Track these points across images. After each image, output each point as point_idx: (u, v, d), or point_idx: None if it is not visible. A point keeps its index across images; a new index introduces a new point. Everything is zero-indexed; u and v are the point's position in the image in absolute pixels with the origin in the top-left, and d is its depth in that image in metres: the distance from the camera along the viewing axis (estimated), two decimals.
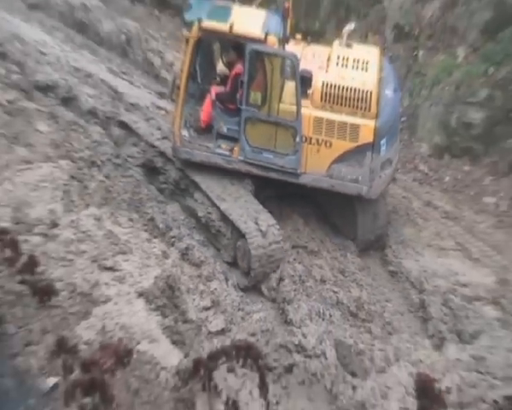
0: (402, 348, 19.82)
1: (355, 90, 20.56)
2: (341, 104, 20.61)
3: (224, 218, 20.97)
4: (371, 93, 20.51)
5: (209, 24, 20.52)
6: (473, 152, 24.89)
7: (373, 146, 20.61)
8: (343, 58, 21.34)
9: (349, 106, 20.58)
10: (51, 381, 16.58)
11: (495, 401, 16.85)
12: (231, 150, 21.37)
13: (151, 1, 29.49)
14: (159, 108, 24.46)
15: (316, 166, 20.96)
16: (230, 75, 21.46)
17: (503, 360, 19.43)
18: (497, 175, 24.53)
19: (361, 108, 20.53)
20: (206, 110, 21.63)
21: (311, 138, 20.77)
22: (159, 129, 23.36)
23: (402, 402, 18.22)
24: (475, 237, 23.06)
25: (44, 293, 17.40)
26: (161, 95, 24.97)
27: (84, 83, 25.32)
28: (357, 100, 20.52)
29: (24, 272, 17.32)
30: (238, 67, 21.07)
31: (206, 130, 21.70)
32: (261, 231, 20.33)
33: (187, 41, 21.03)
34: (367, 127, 20.50)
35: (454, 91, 25.09)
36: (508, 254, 22.70)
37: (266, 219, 20.63)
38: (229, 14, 20.86)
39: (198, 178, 21.69)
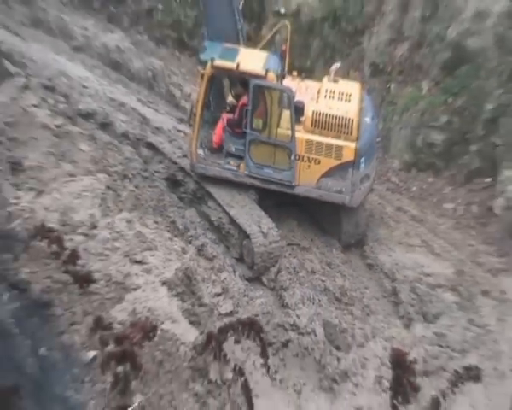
0: (378, 326, 20.15)
1: (339, 117, 20.81)
2: (328, 129, 20.85)
3: (233, 221, 21.18)
4: (353, 120, 20.77)
5: (220, 63, 20.77)
6: (435, 167, 25.03)
7: (354, 163, 20.86)
8: (330, 91, 21.58)
9: (334, 131, 20.83)
10: (91, 354, 16.81)
11: (456, 371, 17.05)
12: (238, 166, 21.58)
13: (173, 43, 29.44)
14: (179, 131, 24.61)
15: (307, 179, 21.20)
16: (238, 105, 21.66)
17: (460, 336, 19.80)
18: (455, 185, 24.69)
19: (344, 133, 20.79)
20: (217, 133, 21.83)
21: (303, 157, 21.01)
22: (179, 149, 23.52)
23: (378, 371, 18.59)
24: (437, 236, 23.20)
25: (84, 281, 17.65)
26: (181, 120, 25.09)
27: (117, 111, 25.45)
28: (342, 126, 20.77)
29: (67, 264, 17.56)
30: (244, 99, 21.29)
31: (218, 149, 21.89)
32: (263, 232, 20.58)
33: (202, 76, 21.26)
34: (349, 148, 20.76)
35: (419, 117, 25.23)
36: (463, 250, 22.91)
37: (267, 223, 20.86)
38: (236, 54, 21.07)
39: (211, 189, 21.90)
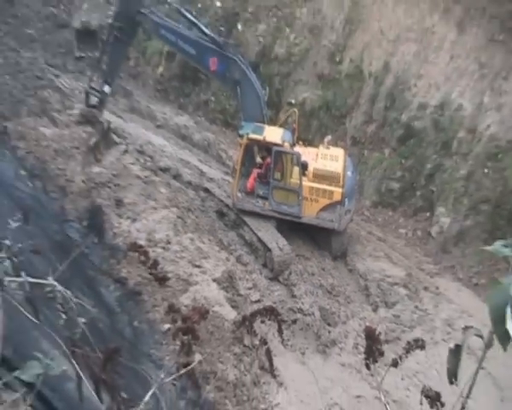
0: (355, 310, 20.37)
1: (331, 172, 20.99)
2: (324, 179, 21.02)
3: (260, 240, 21.22)
4: (340, 174, 20.98)
5: (252, 136, 20.94)
6: (393, 205, 25.03)
7: (340, 202, 21.00)
8: (325, 154, 21.76)
9: (328, 180, 20.99)
10: (166, 326, 16.89)
11: (408, 342, 17.11)
12: (264, 204, 21.64)
13: (221, 123, 29.52)
14: (224, 180, 24.67)
15: (310, 212, 21.33)
16: (264, 163, 21.76)
17: (409, 317, 20.18)
18: (406, 217, 24.72)
19: (334, 182, 20.94)
20: (250, 182, 21.88)
21: (307, 197, 21.14)
22: (225, 192, 23.56)
23: (355, 340, 19.00)
24: (394, 250, 23.17)
25: (162, 280, 17.78)
26: (226, 173, 25.14)
27: (184, 167, 25.51)
28: (333, 177, 20.96)
29: (151, 268, 17.67)
30: (268, 160, 21.42)
31: (250, 193, 21.95)
32: (280, 247, 20.65)
33: (240, 145, 21.46)
34: (337, 192, 20.98)
35: (383, 172, 25.27)
36: (412, 260, 22.94)
37: (282, 241, 20.94)
38: (263, 130, 21.22)
39: (246, 219, 21.93)
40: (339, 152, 22.31)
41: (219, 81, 23.85)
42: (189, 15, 23.04)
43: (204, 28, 22.61)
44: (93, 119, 23.94)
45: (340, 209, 21.18)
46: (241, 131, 21.53)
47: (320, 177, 21.22)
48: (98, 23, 32.30)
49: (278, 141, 20.95)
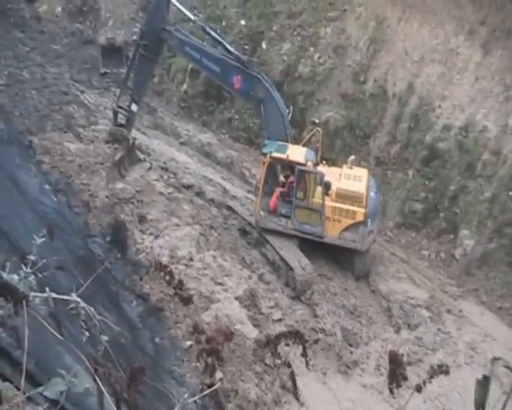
0: (377, 331, 20.17)
1: (354, 192, 20.86)
2: (347, 199, 20.89)
3: (282, 259, 21.07)
4: (363, 194, 20.82)
5: (276, 155, 20.89)
6: (416, 226, 24.81)
7: (363, 223, 20.84)
8: (348, 174, 21.61)
9: (351, 200, 20.86)
10: (188, 343, 16.85)
11: (431, 366, 16.90)
12: (287, 223, 21.55)
13: (244, 140, 29.48)
14: (248, 198, 24.56)
15: (332, 232, 21.20)
16: (287, 182, 21.67)
17: (431, 339, 19.97)
18: (430, 239, 24.46)
19: (357, 202, 20.80)
20: (273, 201, 21.79)
21: (330, 217, 21.01)
22: (248, 210, 23.43)
23: (377, 361, 18.77)
24: (417, 272, 22.95)
25: (187, 300, 17.81)
26: (249, 191, 25.02)
27: (207, 184, 25.47)
28: (356, 197, 20.82)
29: (176, 288, 17.69)
30: (291, 178, 21.34)
31: (273, 211, 21.87)
32: (302, 267, 20.51)
33: (263, 163, 21.39)
34: (360, 212, 20.85)
35: (406, 193, 25.08)
36: (434, 281, 22.75)
37: (304, 261, 20.81)
38: (286, 149, 21.18)
39: (268, 237, 21.82)
40: (362, 172, 22.17)
41: (243, 99, 23.86)
42: (213, 33, 23.12)
43: (228, 46, 22.66)
44: (121, 137, 24.03)
45: (362, 230, 21.01)
46: (264, 150, 21.50)
47: (343, 197, 21.09)
48: (123, 40, 32.63)
49: (301, 160, 20.88)
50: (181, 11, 24.22)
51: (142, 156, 25.79)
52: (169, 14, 23.73)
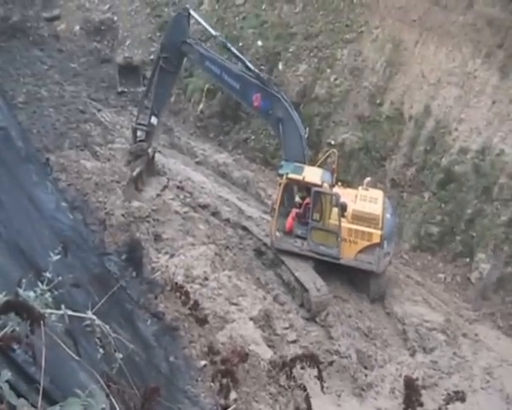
0: (392, 354, 20.05)
1: (370, 213, 20.82)
2: (363, 221, 20.84)
3: (297, 280, 21.02)
4: (379, 216, 20.77)
5: (292, 175, 20.88)
6: (432, 249, 24.67)
7: (380, 244, 20.76)
8: (364, 196, 21.57)
9: (367, 222, 20.81)
10: (202, 362, 16.80)
11: (448, 393, 16.75)
12: (303, 244, 21.50)
13: (260, 161, 29.44)
14: (263, 219, 24.50)
15: (348, 254, 21.14)
16: (303, 204, 21.64)
17: (447, 363, 19.76)
18: (445, 262, 24.31)
19: (373, 223, 20.74)
20: (289, 222, 21.76)
21: (346, 239, 20.94)
22: (263, 230, 23.39)
23: (392, 384, 18.65)
24: (433, 295, 22.81)
25: (202, 321, 17.76)
26: (264, 212, 24.97)
27: (223, 204, 25.47)
28: (372, 219, 20.78)
29: (191, 309, 17.66)
30: (307, 200, 21.30)
31: (289, 233, 21.82)
32: (317, 288, 20.46)
33: (279, 184, 21.39)
34: (377, 234, 20.79)
35: (422, 216, 24.98)
36: (450, 305, 22.57)
37: (320, 282, 20.75)
38: (302, 170, 21.16)
39: (284, 258, 21.77)
40: (378, 194, 22.10)
41: (262, 118, 23.92)
42: (234, 50, 23.21)
43: (249, 64, 22.72)
44: (141, 152, 24.03)
45: (379, 252, 20.92)
46: (280, 171, 21.53)
47: (359, 218, 21.03)
48: (141, 59, 32.89)
49: (317, 181, 20.84)
50: (202, 26, 24.42)
51: (161, 171, 25.82)
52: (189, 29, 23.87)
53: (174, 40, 23.13)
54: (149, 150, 24.60)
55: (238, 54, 23.18)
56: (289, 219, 21.82)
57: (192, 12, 23.86)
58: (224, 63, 22.80)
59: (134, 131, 24.45)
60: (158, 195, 24.26)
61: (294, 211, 21.89)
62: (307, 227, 21.39)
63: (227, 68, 22.63)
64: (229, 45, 23.27)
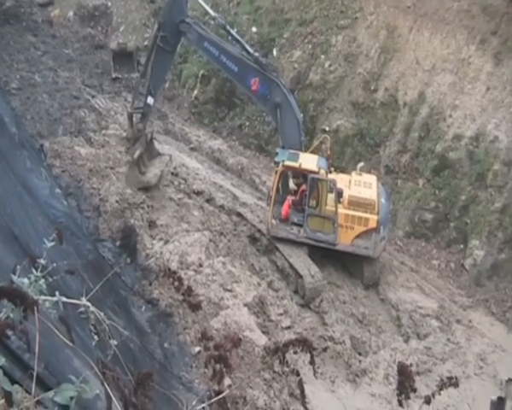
0: (386, 340, 20.15)
1: (366, 199, 20.93)
2: (359, 206, 20.95)
3: (291, 266, 21.07)
4: (375, 201, 20.86)
5: (288, 163, 20.86)
6: (426, 236, 24.69)
7: (376, 229, 20.87)
8: (358, 181, 21.67)
9: (363, 207, 20.91)
10: (196, 349, 16.88)
11: (441, 379, 16.88)
12: (299, 231, 21.50)
13: (254, 147, 29.36)
14: (258, 205, 24.50)
15: (345, 239, 21.27)
16: (299, 191, 21.64)
17: (441, 349, 19.87)
18: (439, 249, 24.33)
19: (369, 209, 20.87)
20: (285, 209, 21.75)
21: (343, 225, 21.00)
22: (258, 217, 23.39)
23: (386, 370, 18.70)
24: (427, 282, 22.83)
25: (196, 307, 17.72)
26: (259, 198, 24.99)
27: (217, 190, 25.42)
28: (368, 204, 20.94)
29: (185, 294, 17.62)
30: (303, 187, 21.31)
31: (285, 220, 21.82)
32: (311, 274, 20.51)
33: (276, 172, 21.33)
34: (373, 219, 20.98)
35: (417, 203, 24.94)
36: (444, 292, 22.60)
37: (314, 268, 20.81)
38: (298, 157, 21.10)
39: (278, 245, 21.78)
40: (372, 179, 22.20)
41: (259, 102, 23.57)
42: (233, 32, 23.04)
43: (248, 47, 22.54)
44: (138, 134, 23.36)
45: (375, 236, 21.02)
46: (276, 159, 21.45)
47: (355, 204, 21.13)
48: (135, 45, 32.76)
49: (314, 168, 20.85)
50: (202, 7, 24.22)
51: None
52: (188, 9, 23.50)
53: (172, 19, 22.42)
54: (146, 132, 24.04)
55: (237, 36, 22.96)
56: (285, 207, 21.85)
57: None
58: (223, 45, 22.38)
59: (130, 116, 23.59)
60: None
61: (290, 198, 21.88)
62: (303, 214, 21.43)
63: (226, 50, 22.27)
64: (228, 27, 23.05)
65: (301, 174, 21.55)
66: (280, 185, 21.83)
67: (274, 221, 21.82)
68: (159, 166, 23.97)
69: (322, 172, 20.85)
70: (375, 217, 21.00)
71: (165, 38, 22.52)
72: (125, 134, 25.08)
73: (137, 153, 23.15)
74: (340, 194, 21.01)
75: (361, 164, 23.21)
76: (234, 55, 22.20)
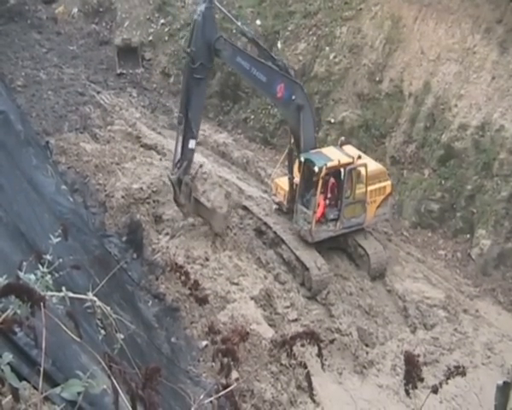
0: (393, 331, 20.20)
1: (377, 169, 22.28)
2: (376, 178, 22.12)
3: (298, 259, 21.14)
4: (385, 170, 22.74)
5: (330, 164, 20.75)
6: (433, 226, 24.70)
7: (391, 193, 22.53)
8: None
9: (378, 178, 22.14)
10: (203, 343, 16.94)
11: (448, 368, 16.89)
12: (335, 225, 21.67)
13: (260, 140, 29.37)
14: (263, 198, 24.49)
15: (370, 215, 22.08)
16: (328, 187, 21.55)
17: (448, 339, 19.93)
18: (446, 239, 24.33)
19: (383, 177, 22.41)
20: (320, 210, 21.18)
21: (369, 202, 21.78)
22: (263, 209, 23.44)
23: (393, 361, 18.81)
24: (434, 272, 22.87)
25: (202, 301, 17.78)
26: (265, 191, 24.98)
27: (223, 184, 25.16)
28: (380, 173, 22.48)
29: (191, 288, 17.66)
30: (331, 182, 21.40)
31: (320, 220, 21.53)
32: (318, 267, 20.59)
33: (317, 179, 21.08)
34: (388, 185, 22.38)
35: (423, 193, 24.96)
36: (451, 282, 22.67)
37: (320, 261, 20.91)
38: (326, 155, 21.31)
39: (284, 237, 21.81)
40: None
41: (283, 108, 22.90)
42: (259, 42, 22.89)
43: (272, 54, 22.44)
44: (188, 188, 21.50)
45: (391, 201, 22.58)
46: (316, 167, 20.79)
47: (373, 178, 21.85)
48: (139, 40, 32.69)
49: (349, 160, 21.20)
50: (227, 16, 23.93)
51: (157, 156, 25.63)
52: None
53: (206, 40, 20.71)
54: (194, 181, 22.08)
55: (262, 45, 22.81)
56: (320, 209, 21.42)
57: (217, 3, 21.99)
58: (254, 57, 21.70)
59: (178, 182, 21.40)
60: (160, 176, 23.87)
61: (321, 197, 21.37)
62: (336, 208, 21.54)
63: (256, 62, 21.41)
64: (252, 36, 22.68)
65: (334, 170, 21.33)
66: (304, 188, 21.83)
67: (315, 228, 21.39)
68: (213, 188, 22.42)
69: (356, 160, 21.30)
70: (389, 182, 22.30)
71: (200, 65, 20.90)
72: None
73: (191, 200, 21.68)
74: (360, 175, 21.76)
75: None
76: (264, 65, 21.37)
